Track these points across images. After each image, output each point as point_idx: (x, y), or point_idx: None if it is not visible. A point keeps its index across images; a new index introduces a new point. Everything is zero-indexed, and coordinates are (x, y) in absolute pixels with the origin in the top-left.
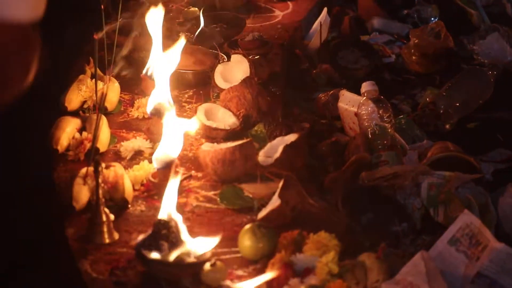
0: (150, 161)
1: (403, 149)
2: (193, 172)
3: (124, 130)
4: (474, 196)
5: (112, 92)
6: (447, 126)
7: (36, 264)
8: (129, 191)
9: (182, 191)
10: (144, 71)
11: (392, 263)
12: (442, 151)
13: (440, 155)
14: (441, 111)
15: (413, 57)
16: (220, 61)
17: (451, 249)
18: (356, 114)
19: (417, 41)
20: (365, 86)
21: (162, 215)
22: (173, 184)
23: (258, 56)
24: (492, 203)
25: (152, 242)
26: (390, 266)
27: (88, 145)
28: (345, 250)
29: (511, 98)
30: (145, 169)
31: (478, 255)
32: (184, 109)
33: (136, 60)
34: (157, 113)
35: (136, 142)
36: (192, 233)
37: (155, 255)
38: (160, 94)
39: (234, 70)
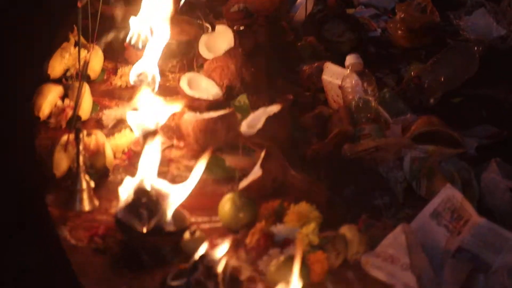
0: (132, 130)
1: (387, 122)
2: (174, 142)
3: (106, 99)
4: (457, 170)
5: (95, 60)
6: (432, 101)
7: (16, 231)
8: (110, 159)
9: (164, 160)
10: (127, 40)
11: (373, 236)
12: (426, 125)
13: (424, 129)
14: (426, 86)
15: (399, 32)
16: (205, 32)
17: (432, 222)
18: (340, 87)
19: (403, 15)
20: (350, 59)
21: (142, 183)
22: (152, 151)
23: (243, 27)
24: (475, 178)
25: (132, 211)
26: (371, 239)
27: (70, 112)
28: (325, 222)
29: (496, 74)
30: (127, 138)
31: (460, 230)
32: (167, 79)
33: (120, 29)
34: (141, 82)
35: (118, 110)
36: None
37: (134, 223)
38: (145, 64)
39: (219, 41)
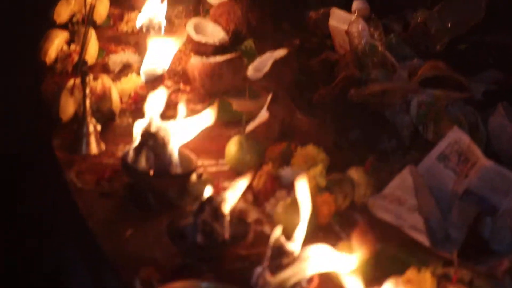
0: (138, 74)
1: (393, 67)
2: (181, 86)
3: (112, 44)
4: (464, 115)
5: (101, 5)
6: (438, 47)
7: (23, 175)
8: (116, 103)
9: (170, 104)
10: None
11: (379, 179)
12: (432, 70)
13: (431, 74)
14: (432, 32)
15: None
16: None
17: (439, 165)
18: (347, 32)
19: None
20: (356, 4)
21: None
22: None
23: None
24: (482, 123)
25: (139, 153)
26: (378, 181)
27: (76, 57)
28: (332, 164)
29: (503, 20)
30: (133, 82)
31: (467, 172)
32: (173, 24)
33: None
34: (147, 28)
35: (124, 55)
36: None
37: (141, 166)
38: (151, 9)
39: None
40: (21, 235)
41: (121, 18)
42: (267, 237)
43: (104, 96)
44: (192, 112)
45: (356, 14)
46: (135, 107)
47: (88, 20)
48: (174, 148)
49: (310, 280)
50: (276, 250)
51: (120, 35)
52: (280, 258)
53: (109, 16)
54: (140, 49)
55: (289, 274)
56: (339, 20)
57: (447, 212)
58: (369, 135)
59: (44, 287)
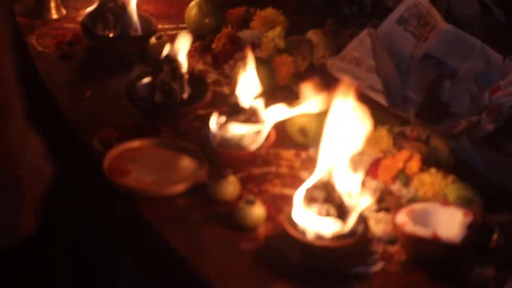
0: None
1: None
2: None
3: None
4: None
5: None
6: None
7: None
8: None
9: None
10: None
11: (339, 43)
12: None
13: None
14: None
15: None
16: None
17: (398, 28)
18: None
19: None
20: None
21: None
22: None
23: None
24: None
25: (99, 16)
26: (338, 46)
27: None
28: (292, 28)
29: None
30: None
31: (426, 36)
32: None
33: None
34: None
35: None
36: (140, 10)
37: (101, 29)
38: None
39: None
40: None
41: None
42: (225, 97)
43: None
44: None
45: None
46: None
47: None
48: (133, 10)
49: (266, 136)
50: (233, 107)
51: None
52: (237, 115)
53: None
54: None
55: (246, 130)
56: None
57: (406, 75)
58: (330, 1)
59: None
